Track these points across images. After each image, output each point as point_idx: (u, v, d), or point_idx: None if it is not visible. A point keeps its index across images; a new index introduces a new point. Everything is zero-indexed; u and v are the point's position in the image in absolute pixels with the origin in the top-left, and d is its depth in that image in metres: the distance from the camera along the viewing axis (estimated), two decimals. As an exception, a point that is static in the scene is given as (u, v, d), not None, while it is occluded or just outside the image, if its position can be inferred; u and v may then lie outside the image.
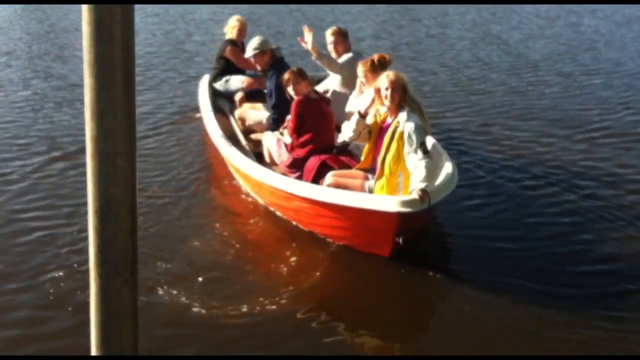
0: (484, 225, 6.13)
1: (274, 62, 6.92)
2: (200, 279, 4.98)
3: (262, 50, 6.90)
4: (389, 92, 5.18)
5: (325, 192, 5.40)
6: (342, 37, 6.78)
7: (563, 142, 8.08)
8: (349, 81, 6.52)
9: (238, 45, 7.66)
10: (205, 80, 8.15)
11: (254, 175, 5.88)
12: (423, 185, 5.03)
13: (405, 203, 5.00)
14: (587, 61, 12.11)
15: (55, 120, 7.95)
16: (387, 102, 5.24)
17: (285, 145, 6.26)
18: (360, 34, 13.77)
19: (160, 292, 4.75)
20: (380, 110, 5.42)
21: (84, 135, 2.75)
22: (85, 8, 2.73)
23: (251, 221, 5.96)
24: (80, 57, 10.56)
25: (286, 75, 6.14)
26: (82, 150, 6.33)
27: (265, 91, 6.90)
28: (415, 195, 5.00)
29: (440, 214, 6.11)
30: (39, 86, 9.40)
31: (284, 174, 6.06)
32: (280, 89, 6.53)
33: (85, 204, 3.33)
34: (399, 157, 5.23)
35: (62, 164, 6.70)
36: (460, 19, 16.28)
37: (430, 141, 5.82)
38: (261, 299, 4.78)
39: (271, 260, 5.36)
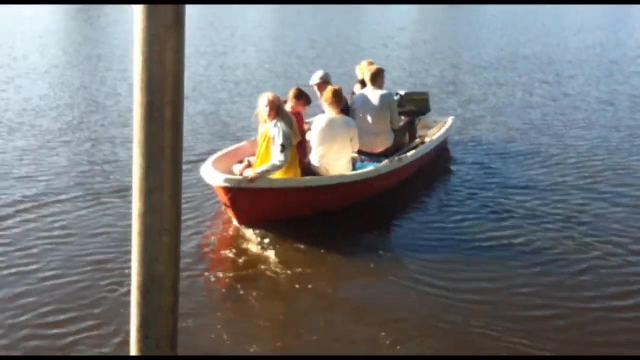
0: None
1: None
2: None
3: (324, 80, 8.11)
4: (267, 109, 6.74)
5: (204, 169, 6.87)
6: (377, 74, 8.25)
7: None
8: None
9: (365, 83, 8.62)
10: None
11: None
12: (260, 170, 6.53)
13: (225, 180, 6.46)
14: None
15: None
16: (266, 116, 6.76)
17: None
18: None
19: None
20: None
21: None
22: (137, 89, 2.85)
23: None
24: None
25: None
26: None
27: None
28: (243, 176, 6.62)
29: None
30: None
31: None
32: None
33: (125, 278, 3.37)
34: (266, 153, 6.74)
35: (103, 236, 6.74)
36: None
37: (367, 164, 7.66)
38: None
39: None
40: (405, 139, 8.63)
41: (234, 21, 26.80)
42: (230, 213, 6.75)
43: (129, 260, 3.20)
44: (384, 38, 22.40)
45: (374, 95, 8.10)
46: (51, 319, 5.09)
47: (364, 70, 8.71)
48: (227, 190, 6.48)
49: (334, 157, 7.23)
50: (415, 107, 9.20)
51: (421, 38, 23.11)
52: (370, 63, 8.83)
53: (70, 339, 4.85)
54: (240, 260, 6.23)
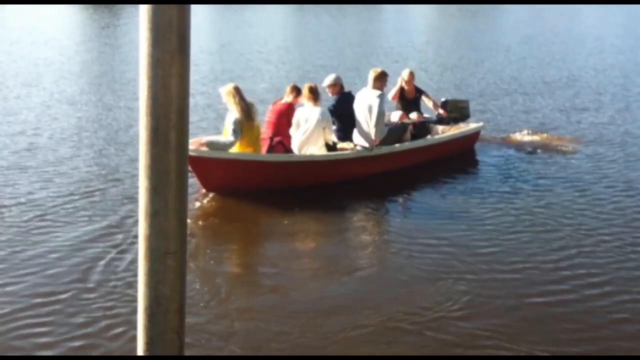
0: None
1: (341, 92, 9.31)
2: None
3: (334, 83, 9.26)
4: (225, 101, 8.17)
5: None
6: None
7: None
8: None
9: (404, 90, 10.37)
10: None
11: None
12: (208, 140, 8.02)
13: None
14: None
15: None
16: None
17: None
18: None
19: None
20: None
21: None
22: (142, 113, 2.89)
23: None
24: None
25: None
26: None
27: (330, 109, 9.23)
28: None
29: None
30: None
31: None
32: (339, 109, 9.05)
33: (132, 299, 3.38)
34: (226, 133, 8.14)
35: (111, 260, 6.77)
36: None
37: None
38: None
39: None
40: (406, 136, 9.57)
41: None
42: (197, 180, 8.07)
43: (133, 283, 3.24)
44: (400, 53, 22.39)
45: (369, 94, 9.01)
46: (49, 341, 5.12)
47: (402, 79, 10.29)
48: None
49: (309, 143, 8.47)
50: (458, 113, 10.42)
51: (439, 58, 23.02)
52: (411, 75, 10.37)
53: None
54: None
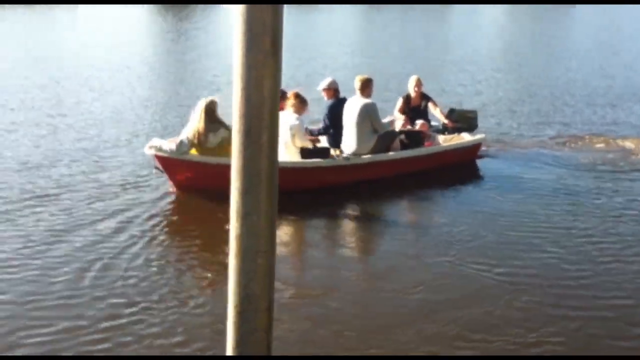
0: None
1: (336, 97, 9.42)
2: None
3: (328, 87, 9.41)
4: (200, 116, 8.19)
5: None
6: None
7: None
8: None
9: (410, 97, 10.30)
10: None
11: None
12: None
13: (150, 147, 8.22)
14: None
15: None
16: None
17: None
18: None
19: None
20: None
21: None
22: (236, 115, 2.94)
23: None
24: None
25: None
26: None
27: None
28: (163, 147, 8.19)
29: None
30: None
31: None
32: (331, 114, 9.24)
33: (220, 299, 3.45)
34: None
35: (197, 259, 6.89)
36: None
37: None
38: None
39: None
40: (394, 145, 9.23)
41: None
42: (167, 179, 8.40)
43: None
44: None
45: (358, 103, 9.00)
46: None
47: (410, 85, 10.23)
48: (156, 157, 8.20)
49: (284, 149, 8.50)
50: (466, 124, 10.16)
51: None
52: (418, 82, 10.24)
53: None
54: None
